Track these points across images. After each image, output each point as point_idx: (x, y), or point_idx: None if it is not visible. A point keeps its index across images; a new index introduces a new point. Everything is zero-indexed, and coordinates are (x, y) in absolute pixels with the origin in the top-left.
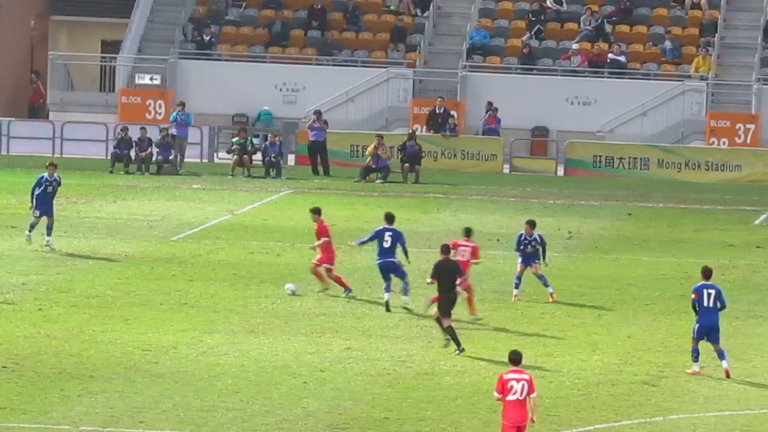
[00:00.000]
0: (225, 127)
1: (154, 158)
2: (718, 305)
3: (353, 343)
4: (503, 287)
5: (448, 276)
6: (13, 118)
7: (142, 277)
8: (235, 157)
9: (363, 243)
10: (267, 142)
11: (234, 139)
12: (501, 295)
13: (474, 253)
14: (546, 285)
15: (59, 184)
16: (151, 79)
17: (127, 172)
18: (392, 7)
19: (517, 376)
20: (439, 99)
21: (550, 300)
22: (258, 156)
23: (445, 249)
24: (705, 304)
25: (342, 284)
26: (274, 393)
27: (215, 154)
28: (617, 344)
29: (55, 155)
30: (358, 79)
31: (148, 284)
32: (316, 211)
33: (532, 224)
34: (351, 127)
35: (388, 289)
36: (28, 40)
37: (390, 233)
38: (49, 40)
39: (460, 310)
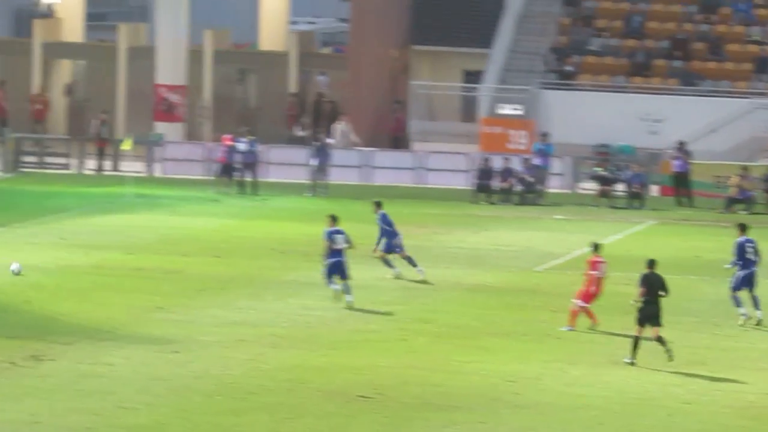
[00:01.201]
0: (587, 157)
1: (516, 188)
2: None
3: (719, 375)
4: None
5: (652, 289)
6: (376, 149)
7: (505, 307)
8: (598, 187)
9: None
10: (630, 173)
11: (596, 170)
12: None
13: None
14: None
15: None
16: (513, 109)
17: (489, 202)
18: (755, 37)
19: None
20: None
21: None
22: (621, 186)
23: (651, 263)
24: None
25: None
26: (639, 425)
27: (577, 184)
28: None
29: (417, 185)
30: (721, 109)
31: (511, 315)
32: (595, 247)
33: None
34: (714, 158)
35: (739, 304)
36: (390, 71)
37: (751, 245)
38: (411, 70)
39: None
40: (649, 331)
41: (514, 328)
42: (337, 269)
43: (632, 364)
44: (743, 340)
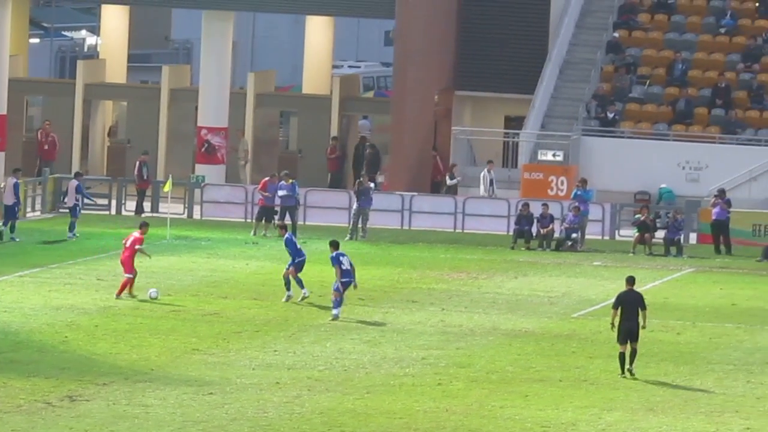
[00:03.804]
0: (627, 204)
1: (555, 234)
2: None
3: (753, 423)
4: None
5: (630, 306)
6: (416, 193)
7: (541, 353)
8: (637, 234)
9: None
10: (669, 220)
11: (637, 216)
12: None
13: None
14: None
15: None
16: (553, 155)
17: (528, 248)
18: None
19: None
20: None
21: None
22: (659, 234)
23: (630, 281)
24: None
25: None
26: None
27: (617, 231)
28: None
29: (457, 230)
30: (762, 158)
31: (547, 360)
32: None
33: None
34: (754, 206)
35: None
36: (432, 115)
37: None
38: (453, 115)
39: None
40: (629, 346)
41: (550, 373)
42: (346, 287)
43: (624, 375)
44: None
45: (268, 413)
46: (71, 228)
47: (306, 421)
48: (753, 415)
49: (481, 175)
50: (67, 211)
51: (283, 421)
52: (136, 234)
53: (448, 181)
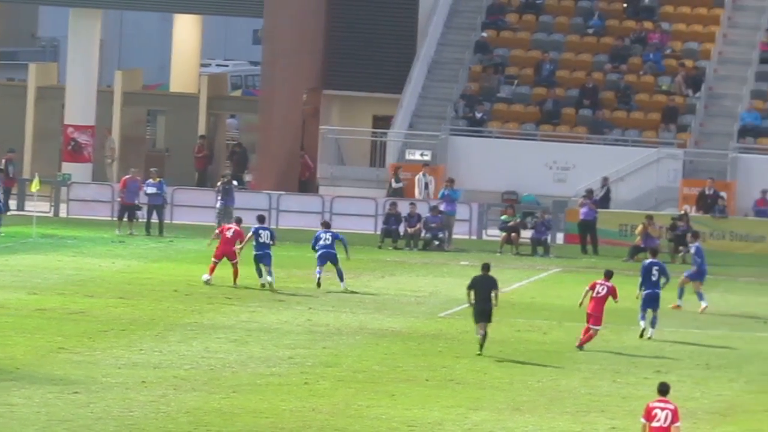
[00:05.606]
0: (494, 204)
1: (422, 234)
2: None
3: (618, 423)
4: None
5: (483, 289)
6: (283, 192)
7: (408, 352)
8: (504, 234)
9: None
10: (536, 220)
11: (503, 217)
12: None
13: (612, 292)
14: None
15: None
16: (421, 155)
17: (395, 248)
18: (664, 88)
19: (662, 405)
20: (709, 180)
21: None
22: (527, 234)
23: (485, 267)
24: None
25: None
26: None
27: (484, 231)
28: None
29: None
30: (629, 158)
31: (414, 360)
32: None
33: None
34: (620, 206)
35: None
36: (300, 115)
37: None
38: (321, 115)
39: None
40: (481, 327)
41: (417, 373)
42: (262, 260)
43: (480, 354)
44: (643, 387)
45: (133, 412)
46: None
47: (172, 420)
48: (619, 415)
49: (416, 178)
50: None
51: (149, 420)
52: (236, 227)
53: (394, 184)
